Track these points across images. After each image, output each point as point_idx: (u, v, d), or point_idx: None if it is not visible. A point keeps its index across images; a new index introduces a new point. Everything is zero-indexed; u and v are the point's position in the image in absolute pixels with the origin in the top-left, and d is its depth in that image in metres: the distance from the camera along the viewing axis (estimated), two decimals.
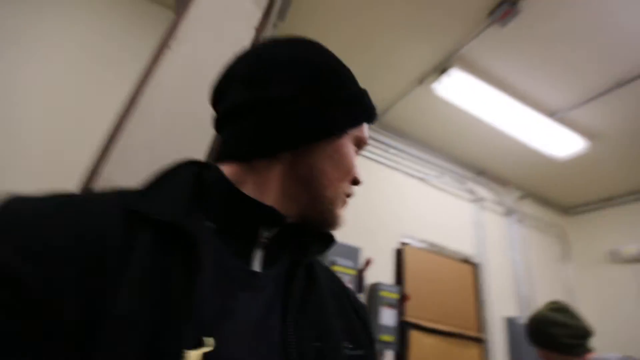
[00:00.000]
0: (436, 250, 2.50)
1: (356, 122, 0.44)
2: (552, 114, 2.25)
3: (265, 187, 0.40)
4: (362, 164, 2.54)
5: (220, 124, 0.44)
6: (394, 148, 2.73)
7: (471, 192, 2.92)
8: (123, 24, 1.90)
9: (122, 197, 0.33)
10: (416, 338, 2.10)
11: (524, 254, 2.89)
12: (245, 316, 0.33)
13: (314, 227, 0.44)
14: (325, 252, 0.46)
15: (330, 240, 0.46)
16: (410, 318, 2.13)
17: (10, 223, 0.26)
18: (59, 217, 0.28)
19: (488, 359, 2.32)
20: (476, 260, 2.64)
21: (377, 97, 2.52)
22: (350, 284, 1.90)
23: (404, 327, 2.07)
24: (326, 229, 0.44)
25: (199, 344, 0.28)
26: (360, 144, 0.47)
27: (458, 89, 2.16)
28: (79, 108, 1.64)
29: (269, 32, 1.76)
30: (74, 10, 1.81)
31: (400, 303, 2.09)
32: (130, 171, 0.69)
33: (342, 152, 0.43)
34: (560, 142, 2.41)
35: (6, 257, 0.24)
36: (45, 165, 1.49)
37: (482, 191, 2.99)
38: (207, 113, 0.81)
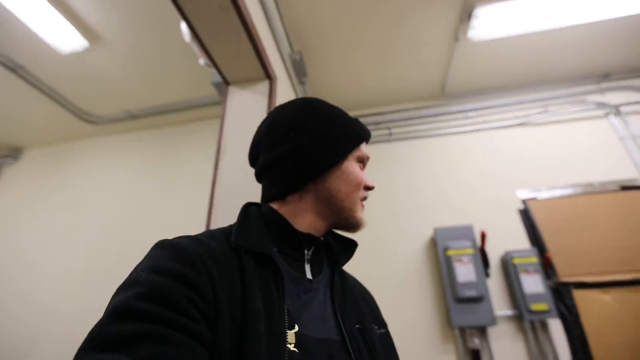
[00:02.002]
0: (575, 193, 2.08)
1: (351, 147, 0.57)
2: None
3: (300, 213, 0.56)
4: (441, 144, 2.48)
5: (258, 177, 0.62)
6: (472, 110, 2.54)
7: (599, 105, 2.33)
8: None
9: (226, 237, 0.49)
10: (585, 298, 1.77)
11: None
12: (312, 310, 0.48)
13: (344, 230, 0.59)
14: (350, 258, 0.60)
15: (352, 248, 0.61)
16: (567, 278, 1.82)
17: (178, 251, 0.41)
18: (201, 247, 0.43)
19: None
20: None
21: (426, 76, 2.48)
22: (470, 264, 1.85)
23: (562, 291, 1.80)
24: (353, 230, 0.58)
25: (291, 327, 0.43)
26: (362, 160, 0.60)
27: (498, 20, 1.94)
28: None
29: (300, 89, 2.13)
30: None
31: (544, 265, 1.84)
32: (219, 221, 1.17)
33: (347, 171, 0.56)
34: None
35: (182, 269, 0.38)
36: None
37: (614, 97, 2.34)
38: (254, 190, 1.20)
